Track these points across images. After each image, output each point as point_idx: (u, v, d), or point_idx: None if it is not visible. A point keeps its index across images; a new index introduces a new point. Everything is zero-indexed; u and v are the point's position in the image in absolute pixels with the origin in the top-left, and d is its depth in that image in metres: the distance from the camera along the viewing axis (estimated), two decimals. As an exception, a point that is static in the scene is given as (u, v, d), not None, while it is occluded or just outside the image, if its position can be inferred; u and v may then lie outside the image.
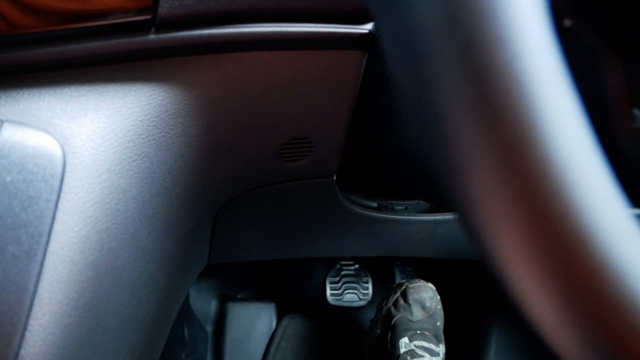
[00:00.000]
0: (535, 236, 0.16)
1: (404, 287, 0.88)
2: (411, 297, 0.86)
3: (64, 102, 0.37)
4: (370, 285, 1.06)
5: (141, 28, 0.37)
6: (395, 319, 0.85)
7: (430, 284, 0.88)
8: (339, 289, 1.05)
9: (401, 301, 0.86)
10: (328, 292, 1.05)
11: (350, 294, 1.05)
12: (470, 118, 0.15)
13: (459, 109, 0.15)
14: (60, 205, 0.34)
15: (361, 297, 1.05)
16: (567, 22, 0.24)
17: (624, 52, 0.26)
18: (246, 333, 1.01)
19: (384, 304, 0.89)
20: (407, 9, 0.16)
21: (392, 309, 0.87)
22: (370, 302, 1.05)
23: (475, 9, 0.15)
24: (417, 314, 0.85)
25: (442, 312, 0.87)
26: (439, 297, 0.87)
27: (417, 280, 0.89)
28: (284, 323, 1.02)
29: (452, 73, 0.15)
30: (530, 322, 0.18)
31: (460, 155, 0.15)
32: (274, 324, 1.03)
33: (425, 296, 0.86)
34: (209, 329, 1.02)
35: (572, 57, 0.29)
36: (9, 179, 0.33)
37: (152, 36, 0.37)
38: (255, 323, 1.02)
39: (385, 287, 1.07)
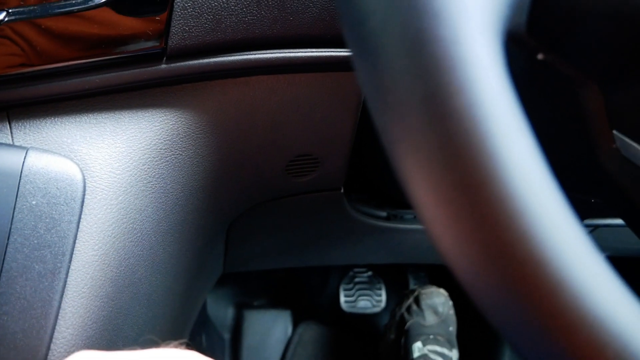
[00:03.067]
0: (495, 263, 0.18)
1: (416, 292, 0.89)
2: (424, 303, 0.87)
3: (83, 129, 0.39)
4: (383, 292, 1.08)
5: (153, 58, 0.40)
6: (408, 323, 0.87)
7: (442, 290, 0.89)
8: (353, 296, 1.07)
9: (414, 307, 0.88)
10: (342, 299, 1.07)
11: (364, 300, 1.07)
12: (433, 159, 0.17)
13: (422, 152, 0.17)
14: (81, 226, 0.37)
15: (375, 303, 1.07)
16: (540, 56, 0.25)
17: (598, 79, 0.28)
18: (262, 340, 1.03)
19: (397, 310, 0.91)
20: (375, 63, 0.18)
21: (405, 314, 0.89)
22: (384, 309, 1.07)
23: (436, 63, 0.17)
24: (430, 319, 0.86)
25: (454, 317, 0.88)
26: (451, 302, 0.89)
27: (429, 286, 0.90)
28: (299, 330, 1.04)
29: (417, 119, 0.17)
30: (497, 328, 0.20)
31: (424, 191, 0.17)
32: (290, 330, 1.05)
33: (437, 301, 0.87)
34: (226, 336, 1.04)
35: (552, 85, 0.31)
36: (34, 202, 0.36)
37: (163, 65, 0.40)
38: (271, 330, 1.04)
39: (399, 294, 1.08)
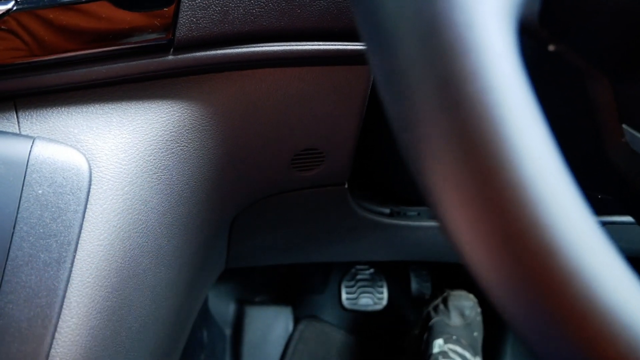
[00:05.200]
0: (507, 251, 0.18)
1: (445, 293, 0.91)
2: (451, 304, 0.89)
3: (89, 120, 0.39)
4: (385, 290, 1.08)
5: (161, 49, 0.40)
6: (432, 320, 0.88)
7: (472, 295, 0.90)
8: (354, 293, 1.07)
9: (441, 306, 0.90)
10: (344, 296, 1.07)
11: (366, 298, 1.07)
12: (445, 145, 0.17)
13: (434, 138, 0.17)
14: (87, 215, 0.37)
15: (376, 301, 1.07)
16: (551, 47, 0.25)
17: (609, 72, 0.28)
18: (264, 336, 1.03)
19: (424, 308, 0.93)
20: (389, 48, 0.18)
21: (432, 312, 0.90)
22: (385, 307, 1.07)
23: (450, 48, 0.17)
24: (455, 320, 0.87)
25: (481, 325, 0.89)
26: (479, 309, 0.89)
27: (460, 290, 0.91)
28: (300, 326, 1.04)
29: (430, 105, 0.17)
30: (511, 324, 0.20)
31: (436, 177, 0.17)
32: (291, 327, 1.05)
33: (465, 304, 0.88)
34: (227, 332, 1.04)
35: (562, 78, 0.31)
36: (40, 191, 0.36)
37: (170, 57, 0.40)
38: (272, 326, 1.04)
39: (400, 292, 1.09)
